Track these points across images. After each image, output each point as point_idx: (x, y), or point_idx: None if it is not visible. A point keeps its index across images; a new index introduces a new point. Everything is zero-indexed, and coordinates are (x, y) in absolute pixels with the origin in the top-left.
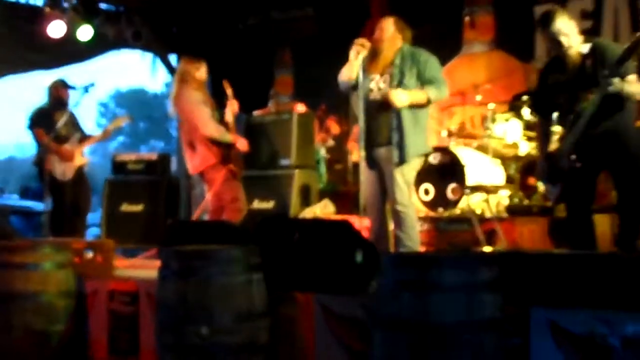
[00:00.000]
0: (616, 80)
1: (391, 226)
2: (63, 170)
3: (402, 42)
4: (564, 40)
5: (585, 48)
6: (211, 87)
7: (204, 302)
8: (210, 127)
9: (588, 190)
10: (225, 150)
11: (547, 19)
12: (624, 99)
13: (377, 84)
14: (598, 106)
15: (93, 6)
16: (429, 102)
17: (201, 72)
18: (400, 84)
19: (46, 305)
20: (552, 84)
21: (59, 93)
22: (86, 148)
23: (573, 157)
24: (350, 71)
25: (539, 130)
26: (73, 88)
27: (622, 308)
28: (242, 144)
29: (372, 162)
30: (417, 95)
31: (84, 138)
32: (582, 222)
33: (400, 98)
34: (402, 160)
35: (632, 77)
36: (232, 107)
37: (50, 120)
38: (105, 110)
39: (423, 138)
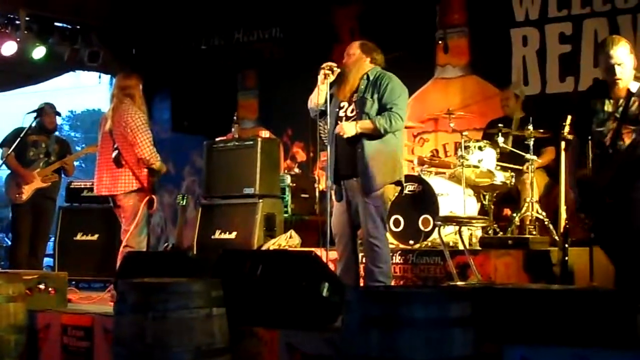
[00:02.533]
0: None
1: (362, 259)
2: (19, 193)
3: (370, 65)
4: (617, 69)
5: (635, 87)
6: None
7: (162, 337)
8: (149, 152)
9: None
10: (153, 178)
11: (610, 42)
12: None
13: (345, 112)
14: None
15: (48, 25)
16: (384, 131)
17: (140, 88)
18: (362, 113)
19: None
20: (596, 110)
21: (44, 118)
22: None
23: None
24: (318, 97)
25: (573, 152)
26: (59, 114)
27: (600, 345)
28: (163, 169)
29: (341, 192)
30: (365, 125)
31: (50, 163)
32: (622, 254)
33: (348, 129)
34: (366, 191)
35: None
36: None
37: (23, 142)
38: (59, 133)
39: (390, 166)
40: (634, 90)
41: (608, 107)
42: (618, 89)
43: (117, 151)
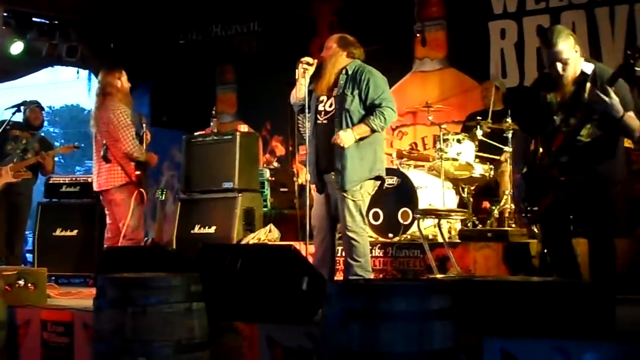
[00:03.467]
0: (606, 98)
1: (340, 252)
2: None
3: (347, 60)
4: (559, 65)
5: (589, 68)
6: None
7: (141, 332)
8: (132, 146)
9: (567, 212)
10: (141, 171)
11: (552, 37)
12: (616, 141)
13: (324, 106)
14: (586, 130)
15: (26, 20)
16: (381, 129)
17: (122, 81)
18: (343, 108)
19: None
20: (545, 104)
21: (29, 114)
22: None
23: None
24: (298, 92)
25: (520, 147)
26: (43, 109)
27: (579, 336)
28: (153, 160)
29: (321, 186)
30: (361, 130)
31: (25, 159)
32: (560, 245)
33: (347, 139)
34: (342, 186)
35: (631, 113)
36: (145, 138)
37: (4, 136)
38: None
39: (369, 162)
40: (588, 71)
41: (554, 98)
42: (567, 78)
43: (104, 147)
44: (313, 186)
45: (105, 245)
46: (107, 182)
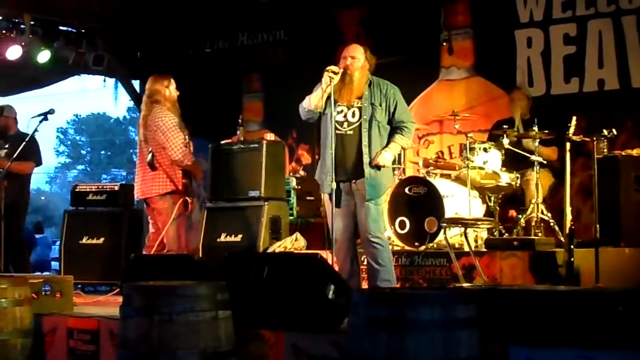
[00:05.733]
0: None
1: (363, 260)
2: None
3: (368, 72)
4: None
5: None
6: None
7: (168, 340)
8: (181, 153)
9: None
10: (187, 180)
11: None
12: None
13: (345, 117)
14: None
15: (52, 28)
16: (406, 148)
17: (171, 89)
18: (372, 120)
19: (2, 344)
20: None
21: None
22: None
23: None
24: (318, 100)
25: None
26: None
27: (606, 346)
28: (199, 171)
29: (339, 197)
30: (396, 150)
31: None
32: None
33: (388, 160)
34: (372, 195)
35: None
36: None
37: None
38: (64, 137)
39: (390, 169)
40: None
41: None
42: None
43: (151, 154)
44: (326, 196)
45: (142, 253)
46: (151, 190)
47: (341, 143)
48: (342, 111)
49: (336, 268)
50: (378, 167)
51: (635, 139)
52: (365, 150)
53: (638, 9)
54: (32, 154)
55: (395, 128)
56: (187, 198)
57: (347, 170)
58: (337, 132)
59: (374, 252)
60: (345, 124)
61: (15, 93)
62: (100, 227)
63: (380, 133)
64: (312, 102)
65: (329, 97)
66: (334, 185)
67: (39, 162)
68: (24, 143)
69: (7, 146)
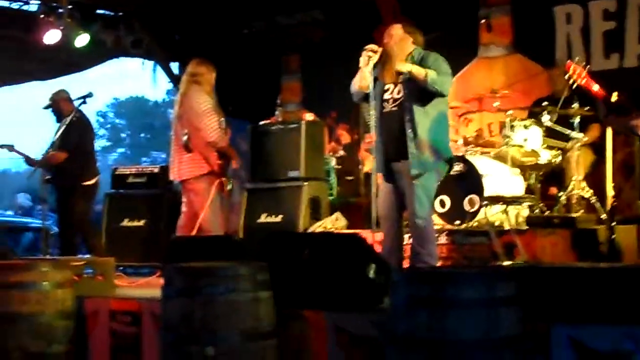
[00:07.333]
0: None
1: (407, 240)
2: None
3: (412, 46)
4: None
5: None
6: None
7: (209, 321)
8: (216, 135)
9: None
10: (223, 161)
11: None
12: None
13: (392, 94)
14: None
15: (90, 12)
16: (431, 82)
17: (212, 76)
18: (414, 93)
19: (44, 326)
20: None
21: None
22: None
23: None
24: (362, 80)
25: None
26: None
27: None
28: (236, 161)
29: (389, 174)
30: (417, 69)
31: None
32: None
33: (405, 67)
34: (415, 171)
35: None
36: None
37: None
38: (104, 121)
39: (442, 145)
40: None
41: None
42: None
43: (186, 136)
44: (379, 174)
45: (177, 234)
46: (187, 172)
47: (389, 121)
48: (388, 89)
49: (378, 247)
50: (418, 142)
51: None
52: (408, 125)
53: None
54: (66, 141)
55: None
56: (223, 179)
57: (393, 148)
58: (384, 110)
59: (417, 234)
60: (391, 101)
61: (54, 77)
62: (140, 210)
63: (425, 105)
64: (355, 84)
65: (375, 77)
66: (377, 165)
67: (68, 148)
68: (60, 130)
69: (61, 130)
